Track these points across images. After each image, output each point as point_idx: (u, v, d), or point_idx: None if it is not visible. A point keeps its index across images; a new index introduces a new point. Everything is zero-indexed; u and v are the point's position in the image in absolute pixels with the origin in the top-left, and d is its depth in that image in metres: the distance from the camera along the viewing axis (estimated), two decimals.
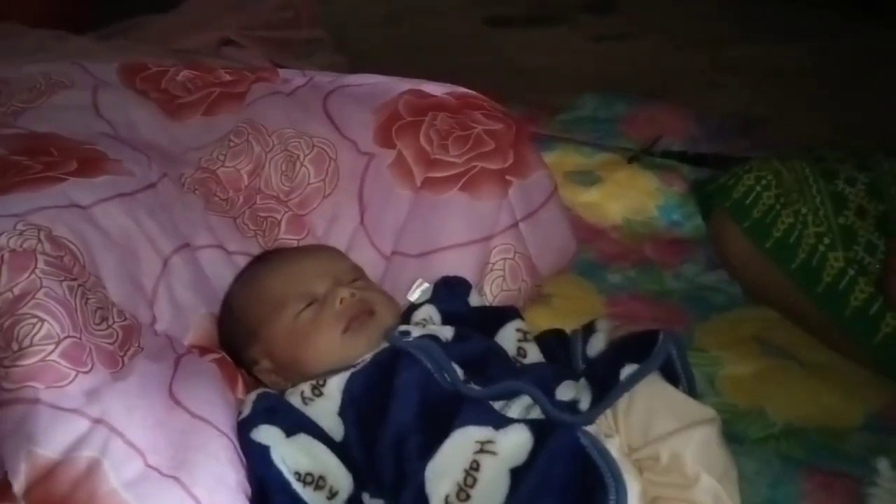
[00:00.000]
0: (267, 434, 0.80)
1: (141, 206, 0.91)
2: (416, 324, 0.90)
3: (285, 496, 0.78)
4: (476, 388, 0.81)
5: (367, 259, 1.02)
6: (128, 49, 1.43)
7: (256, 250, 1.01)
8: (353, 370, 0.85)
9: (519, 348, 0.91)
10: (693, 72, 1.99)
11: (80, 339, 0.76)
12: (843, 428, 0.91)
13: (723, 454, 0.75)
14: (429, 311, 0.92)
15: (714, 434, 0.75)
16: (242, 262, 0.99)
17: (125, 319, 0.83)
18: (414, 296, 0.95)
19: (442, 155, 1.05)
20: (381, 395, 0.82)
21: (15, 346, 0.73)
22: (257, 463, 0.79)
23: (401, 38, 2.19)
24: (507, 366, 0.87)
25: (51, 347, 0.73)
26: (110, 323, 0.80)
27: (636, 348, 0.81)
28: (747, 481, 0.81)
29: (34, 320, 0.74)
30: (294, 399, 0.84)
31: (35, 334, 0.73)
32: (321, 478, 0.80)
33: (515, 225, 1.04)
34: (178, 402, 0.78)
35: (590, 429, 0.77)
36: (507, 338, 0.92)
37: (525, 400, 0.81)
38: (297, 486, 0.79)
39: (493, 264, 1.02)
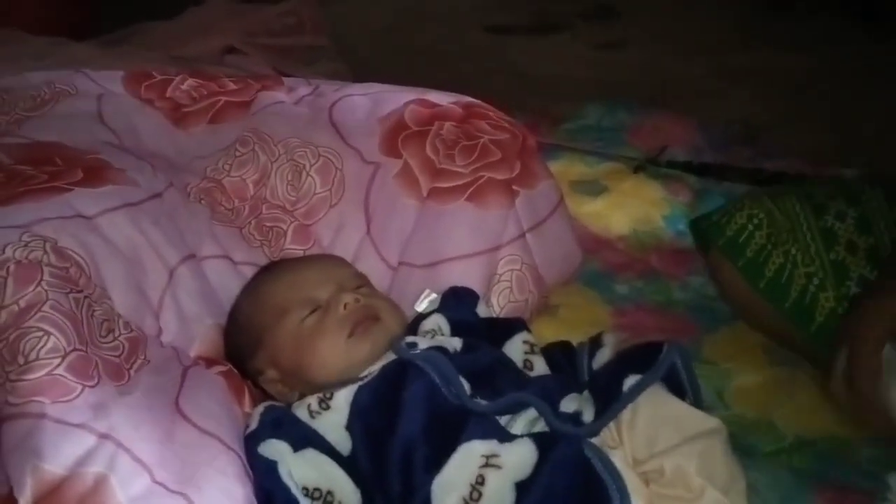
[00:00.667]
0: (274, 448, 0.80)
1: (147, 217, 0.91)
2: (426, 333, 0.90)
3: None
4: (482, 402, 0.81)
5: (374, 269, 1.01)
6: (130, 56, 1.42)
7: (262, 260, 1.01)
8: (360, 383, 0.84)
9: (525, 361, 0.90)
10: (694, 80, 1.99)
11: (87, 352, 0.75)
12: (853, 438, 0.91)
13: (729, 465, 0.74)
14: (438, 321, 0.92)
15: (719, 445, 0.74)
16: (248, 272, 0.98)
17: (131, 331, 0.82)
18: (422, 306, 0.95)
19: (448, 165, 1.04)
20: (389, 407, 0.81)
21: (21, 360, 0.72)
22: (265, 478, 0.78)
23: (402, 45, 2.19)
24: (515, 377, 0.87)
25: (57, 361, 0.73)
26: (116, 335, 0.80)
27: (640, 359, 0.80)
28: (759, 496, 0.81)
29: (40, 333, 0.73)
30: (301, 412, 0.84)
31: (41, 348, 0.73)
32: (329, 493, 0.80)
33: (522, 236, 1.04)
34: (184, 416, 0.77)
35: (594, 440, 0.77)
36: (514, 350, 0.91)
37: (530, 413, 0.81)
38: (304, 502, 0.78)
39: (500, 275, 1.02)
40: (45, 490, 0.68)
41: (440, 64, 2.00)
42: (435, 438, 0.78)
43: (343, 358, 0.86)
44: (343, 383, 0.84)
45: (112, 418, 0.72)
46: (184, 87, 1.14)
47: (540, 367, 0.90)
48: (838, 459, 0.88)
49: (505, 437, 0.78)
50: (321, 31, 1.72)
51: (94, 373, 0.74)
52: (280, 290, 0.91)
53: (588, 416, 0.79)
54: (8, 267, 0.77)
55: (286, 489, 0.78)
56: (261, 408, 0.85)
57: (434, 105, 1.11)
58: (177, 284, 0.90)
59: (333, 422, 0.83)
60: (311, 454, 0.80)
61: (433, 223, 1.02)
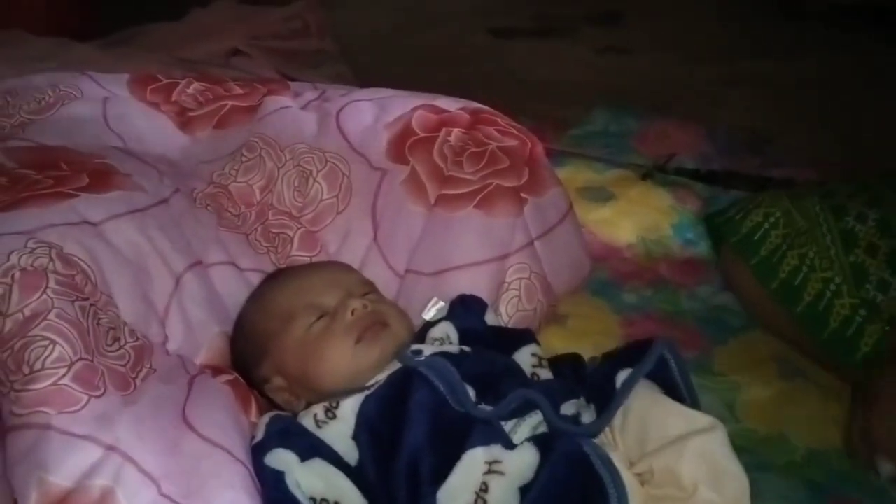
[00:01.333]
0: (281, 459, 0.79)
1: (153, 223, 0.89)
2: (434, 341, 0.89)
3: None
4: (486, 408, 0.80)
5: (381, 277, 1.00)
6: (134, 58, 1.41)
7: (269, 267, 1.00)
8: (367, 392, 0.83)
9: (533, 374, 0.89)
10: (699, 86, 1.98)
11: (93, 361, 0.74)
12: None
13: (725, 463, 0.73)
14: (446, 329, 0.91)
15: (712, 443, 0.74)
16: (255, 279, 0.97)
17: (137, 340, 0.81)
18: (429, 314, 0.94)
19: (456, 171, 1.03)
20: (395, 417, 0.80)
21: (26, 370, 0.71)
22: (273, 489, 0.77)
23: (405, 48, 2.18)
24: (521, 384, 0.86)
25: (63, 371, 0.72)
26: (122, 344, 0.79)
27: (630, 355, 0.81)
28: None
29: (46, 342, 0.72)
30: (307, 422, 0.83)
31: (47, 357, 0.72)
32: (336, 503, 0.79)
33: (531, 244, 1.03)
34: (191, 427, 0.76)
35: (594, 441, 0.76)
36: (522, 362, 0.90)
37: (534, 419, 0.80)
38: None
39: (509, 284, 1.01)
40: (51, 503, 0.67)
41: (443, 67, 2.00)
42: (440, 447, 0.78)
43: (351, 364, 0.85)
44: (349, 392, 0.83)
45: (118, 429, 0.71)
46: (190, 90, 1.13)
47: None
48: (851, 473, 0.87)
49: (508, 443, 0.77)
50: (326, 34, 1.71)
51: (100, 382, 0.73)
52: (286, 297, 0.90)
53: (587, 419, 0.79)
54: (13, 274, 0.76)
55: (294, 500, 0.77)
56: (266, 418, 0.84)
57: (442, 111, 1.10)
58: (183, 292, 0.89)
59: (340, 432, 0.82)
60: (318, 464, 0.79)
61: (441, 231, 1.01)
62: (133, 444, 0.71)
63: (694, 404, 0.81)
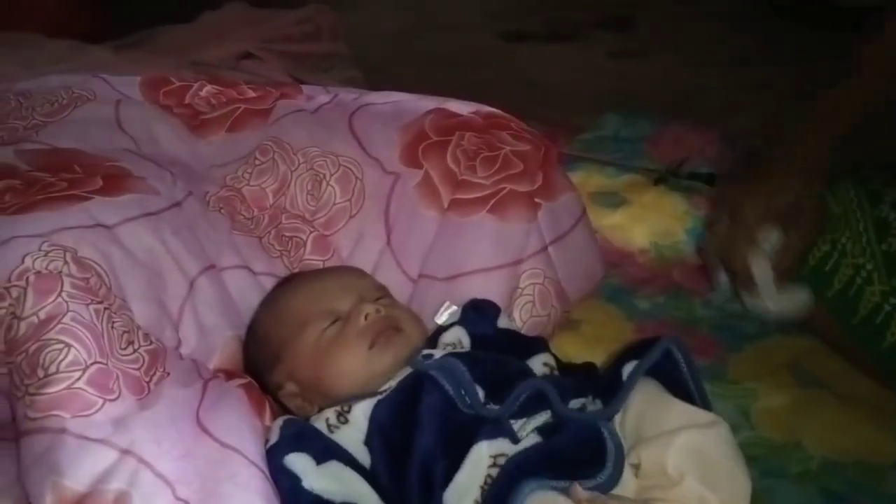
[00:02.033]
0: (297, 462, 0.78)
1: (167, 226, 0.89)
2: (447, 346, 0.89)
3: None
4: (495, 407, 0.80)
5: (394, 281, 1.00)
6: (147, 61, 1.41)
7: (282, 271, 1.00)
8: (378, 397, 0.83)
9: None
10: (710, 91, 1.98)
11: (107, 364, 0.74)
12: (881, 465, 0.89)
13: (722, 461, 0.73)
14: (458, 334, 0.90)
15: (708, 439, 0.73)
16: (268, 283, 0.97)
17: (151, 343, 0.81)
18: (442, 318, 0.94)
19: (469, 176, 1.03)
20: (406, 422, 0.80)
21: (41, 373, 0.71)
22: (288, 492, 0.77)
23: (416, 52, 2.18)
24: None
25: (77, 374, 0.71)
26: (136, 347, 0.78)
27: (636, 350, 0.81)
28: None
29: (60, 346, 0.72)
30: (319, 426, 0.83)
31: (61, 360, 0.71)
32: None
33: (545, 249, 1.02)
34: (205, 430, 0.76)
35: None
36: (534, 370, 0.89)
37: (542, 418, 0.80)
38: None
39: (523, 289, 1.00)
40: None
41: (453, 72, 2.00)
42: (451, 451, 0.77)
43: (364, 369, 0.85)
44: (362, 396, 0.83)
45: (133, 433, 0.71)
46: (202, 93, 1.13)
47: None
48: (868, 482, 0.86)
49: (515, 438, 0.77)
50: (338, 37, 1.71)
51: (115, 386, 0.73)
52: (299, 302, 0.90)
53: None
54: (27, 277, 0.76)
55: (312, 502, 0.76)
56: (280, 421, 0.83)
57: (454, 115, 1.09)
58: (196, 295, 0.88)
59: (352, 437, 0.81)
60: (334, 467, 0.79)
61: (454, 235, 1.01)
62: (148, 448, 0.71)
63: (704, 405, 0.81)
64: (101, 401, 0.71)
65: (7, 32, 1.48)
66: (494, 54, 2.24)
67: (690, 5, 2.39)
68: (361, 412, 0.82)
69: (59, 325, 0.73)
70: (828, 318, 0.97)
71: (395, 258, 1.03)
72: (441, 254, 1.01)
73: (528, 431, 0.79)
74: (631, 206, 1.27)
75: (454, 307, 0.94)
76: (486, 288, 0.98)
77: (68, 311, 0.74)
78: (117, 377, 0.74)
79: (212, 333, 0.88)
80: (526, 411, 0.80)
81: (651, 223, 1.24)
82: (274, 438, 0.81)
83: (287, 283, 0.95)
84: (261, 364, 0.90)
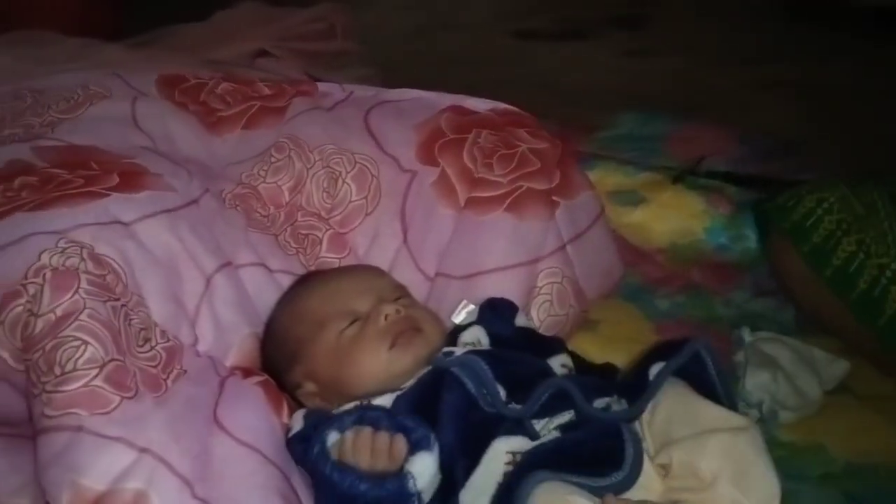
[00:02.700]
0: (329, 440, 0.76)
1: (184, 223, 0.89)
2: (465, 345, 0.88)
3: None
4: (517, 406, 0.79)
5: (411, 280, 0.99)
6: (162, 59, 1.40)
7: (298, 269, 0.99)
8: (398, 392, 0.82)
9: None
10: (724, 90, 1.96)
11: (125, 362, 0.73)
12: None
13: (756, 464, 0.72)
14: (477, 334, 0.90)
15: (742, 442, 0.72)
16: (285, 280, 0.96)
17: (168, 341, 0.80)
18: (459, 318, 0.93)
19: (486, 174, 1.02)
20: (426, 419, 0.79)
21: (57, 371, 0.70)
22: (325, 473, 0.74)
23: (430, 50, 2.17)
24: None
25: (95, 372, 0.71)
26: (153, 345, 0.78)
27: (664, 351, 0.80)
28: None
29: (77, 343, 0.72)
30: None
31: (78, 358, 0.71)
32: None
33: (563, 247, 1.01)
34: (223, 428, 0.76)
35: None
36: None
37: (564, 417, 0.79)
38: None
39: (540, 288, 0.99)
40: None
41: (467, 69, 1.98)
42: (471, 450, 0.77)
43: (384, 370, 0.84)
44: (381, 392, 0.82)
45: (151, 431, 0.71)
46: (218, 91, 1.12)
47: None
48: (891, 487, 0.85)
49: (535, 436, 0.77)
50: (352, 35, 1.70)
51: (132, 384, 0.73)
52: (317, 302, 0.89)
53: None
54: (44, 274, 0.75)
55: (352, 476, 0.74)
56: (303, 411, 0.83)
57: (471, 112, 1.09)
58: (213, 293, 0.88)
59: None
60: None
61: (471, 234, 1.00)
62: (166, 447, 0.70)
63: (732, 407, 0.80)
64: (118, 398, 0.71)
65: (23, 31, 1.47)
66: (508, 53, 2.23)
67: (704, 4, 2.37)
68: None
69: (76, 322, 0.73)
70: (851, 318, 0.96)
71: (412, 256, 1.02)
72: (458, 252, 1.00)
73: (549, 430, 0.78)
74: (649, 204, 1.26)
75: (472, 306, 0.94)
76: (504, 287, 0.97)
77: (85, 307, 0.74)
78: (134, 374, 0.73)
79: (228, 331, 0.87)
80: (548, 411, 0.79)
81: (670, 222, 1.23)
82: (298, 426, 0.80)
83: (305, 282, 0.94)
84: (279, 363, 0.89)
